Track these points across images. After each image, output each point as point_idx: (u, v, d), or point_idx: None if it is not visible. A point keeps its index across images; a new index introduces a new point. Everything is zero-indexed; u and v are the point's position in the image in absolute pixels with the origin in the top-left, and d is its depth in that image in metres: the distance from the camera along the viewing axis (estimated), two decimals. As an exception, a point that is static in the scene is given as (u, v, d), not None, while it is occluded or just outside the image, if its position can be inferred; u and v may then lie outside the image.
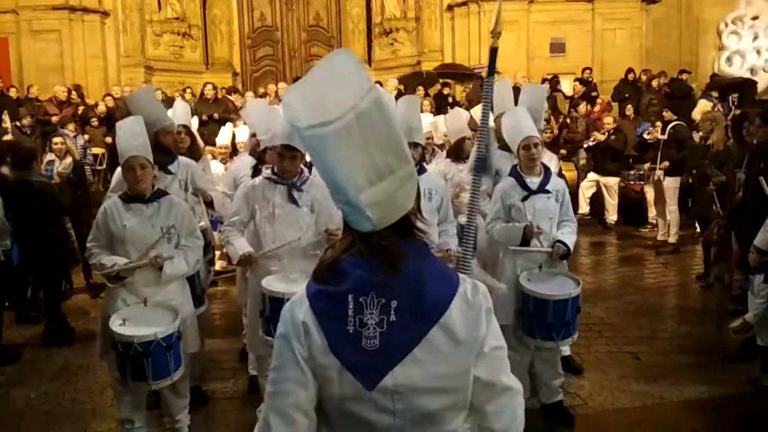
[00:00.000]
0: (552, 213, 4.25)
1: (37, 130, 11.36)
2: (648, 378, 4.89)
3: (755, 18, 16.54)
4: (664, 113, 9.14)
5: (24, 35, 14.86)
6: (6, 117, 10.92)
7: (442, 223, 4.35)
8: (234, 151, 8.27)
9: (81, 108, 12.69)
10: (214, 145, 8.50)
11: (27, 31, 14.86)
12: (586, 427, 4.27)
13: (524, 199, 4.19)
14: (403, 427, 1.48)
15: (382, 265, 1.47)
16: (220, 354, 5.53)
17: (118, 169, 4.33)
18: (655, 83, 13.29)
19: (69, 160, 7.87)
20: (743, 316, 4.72)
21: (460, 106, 10.29)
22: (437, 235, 4.18)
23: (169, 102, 8.71)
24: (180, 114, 5.37)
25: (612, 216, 10.36)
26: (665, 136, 8.85)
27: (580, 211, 10.21)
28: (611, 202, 10.34)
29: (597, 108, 12.46)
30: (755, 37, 16.58)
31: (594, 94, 13.37)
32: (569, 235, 4.24)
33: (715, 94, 12.63)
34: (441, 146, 7.12)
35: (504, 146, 4.86)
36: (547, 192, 4.24)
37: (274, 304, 3.57)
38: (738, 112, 9.42)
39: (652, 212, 9.80)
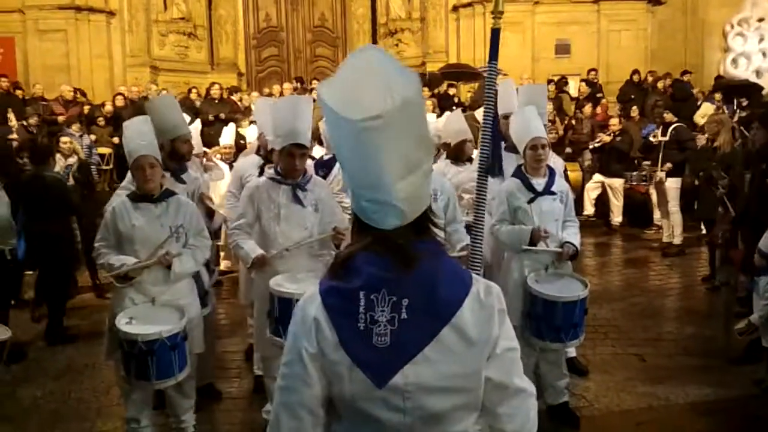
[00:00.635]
0: (558, 214, 4.24)
1: (43, 130, 11.38)
2: (653, 380, 4.89)
3: (761, 20, 16.51)
4: (664, 115, 9.10)
5: (30, 35, 14.94)
6: (12, 116, 10.97)
7: (451, 224, 4.32)
8: (238, 150, 8.27)
9: (87, 108, 12.73)
10: (218, 145, 8.51)
11: (33, 31, 14.93)
12: (591, 429, 4.27)
13: (530, 201, 4.16)
14: (413, 425, 1.47)
15: (396, 263, 1.46)
16: (225, 354, 5.55)
17: None
18: (660, 85, 13.28)
19: (74, 159, 7.92)
20: (748, 317, 4.71)
21: (465, 107, 10.28)
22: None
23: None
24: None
25: (617, 217, 10.30)
26: (666, 138, 8.83)
27: (585, 212, 10.18)
28: (616, 204, 10.28)
29: (599, 110, 12.45)
30: (761, 39, 16.55)
31: (599, 95, 13.34)
32: (575, 236, 4.23)
33: (718, 96, 12.58)
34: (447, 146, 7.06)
35: (509, 148, 4.78)
36: (553, 193, 4.22)
37: (282, 305, 3.55)
38: (744, 114, 9.39)
39: (657, 214, 9.77)
